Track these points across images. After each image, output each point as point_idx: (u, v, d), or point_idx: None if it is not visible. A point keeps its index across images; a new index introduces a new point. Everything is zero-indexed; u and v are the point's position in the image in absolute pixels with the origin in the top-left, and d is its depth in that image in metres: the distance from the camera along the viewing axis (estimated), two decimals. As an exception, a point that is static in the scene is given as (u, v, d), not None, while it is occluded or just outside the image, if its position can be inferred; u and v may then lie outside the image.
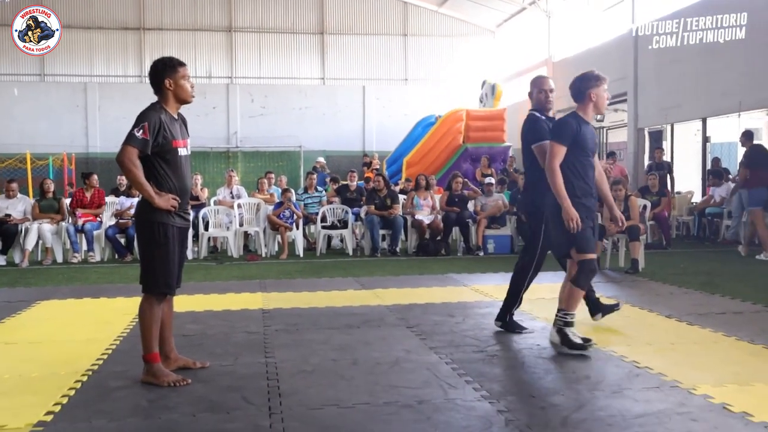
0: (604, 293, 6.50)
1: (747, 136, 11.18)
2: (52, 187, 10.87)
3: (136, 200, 4.23)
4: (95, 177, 11.16)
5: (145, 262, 4.09)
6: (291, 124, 23.75)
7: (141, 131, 3.92)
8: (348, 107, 24.43)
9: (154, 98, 4.15)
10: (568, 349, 4.56)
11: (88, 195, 10.89)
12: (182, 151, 4.12)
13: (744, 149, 11.38)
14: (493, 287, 7.49)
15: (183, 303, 6.06)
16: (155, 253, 4.04)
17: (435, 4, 24.61)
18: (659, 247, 11.21)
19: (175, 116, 4.16)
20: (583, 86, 4.67)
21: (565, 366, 4.34)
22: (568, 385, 3.93)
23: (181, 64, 4.15)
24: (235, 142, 23.77)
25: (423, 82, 24.81)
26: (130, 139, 3.92)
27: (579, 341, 4.58)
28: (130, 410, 3.61)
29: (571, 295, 4.66)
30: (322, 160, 17.55)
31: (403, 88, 24.84)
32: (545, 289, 7.39)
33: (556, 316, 4.68)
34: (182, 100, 4.17)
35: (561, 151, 4.58)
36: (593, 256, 4.69)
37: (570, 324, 4.62)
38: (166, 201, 4.00)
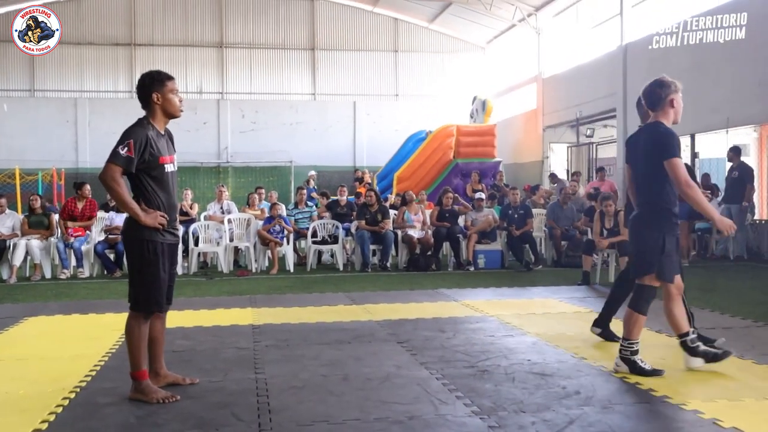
0: (594, 308, 6.51)
1: (735, 151, 11.32)
2: (38, 203, 10.78)
3: (125, 216, 4.18)
4: (88, 187, 10.93)
5: (134, 279, 4.04)
6: (282, 140, 23.74)
7: (125, 149, 3.87)
8: (339, 122, 24.47)
9: (144, 113, 4.12)
10: (640, 376, 4.36)
11: (79, 206, 10.72)
12: (169, 168, 4.07)
13: (731, 164, 11.51)
14: (483, 302, 7.50)
15: (173, 319, 6.01)
16: (145, 271, 3.99)
17: (425, 20, 24.76)
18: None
19: (162, 132, 4.11)
20: (663, 93, 4.50)
21: (555, 381, 4.33)
22: (559, 401, 3.92)
23: (169, 78, 4.10)
24: (225, 157, 23.74)
25: (413, 98, 24.89)
26: (113, 156, 3.87)
27: (649, 368, 4.41)
28: (118, 427, 3.58)
29: (634, 322, 4.47)
30: (313, 173, 17.56)
31: (393, 104, 24.91)
32: (536, 305, 7.43)
33: (621, 345, 4.51)
34: (170, 115, 4.12)
35: (682, 164, 4.39)
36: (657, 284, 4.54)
37: (636, 352, 4.45)
38: (153, 218, 3.95)
